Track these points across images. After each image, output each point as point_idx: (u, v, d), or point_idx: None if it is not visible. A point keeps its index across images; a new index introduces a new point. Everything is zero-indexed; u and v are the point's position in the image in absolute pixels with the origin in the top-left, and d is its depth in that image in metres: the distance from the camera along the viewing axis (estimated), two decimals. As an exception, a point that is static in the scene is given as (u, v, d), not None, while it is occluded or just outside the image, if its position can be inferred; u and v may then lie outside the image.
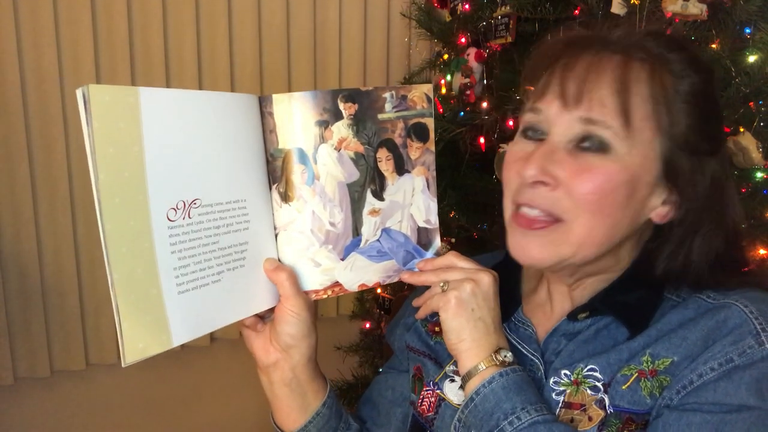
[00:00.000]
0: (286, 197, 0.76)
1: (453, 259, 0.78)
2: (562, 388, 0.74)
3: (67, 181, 2.00)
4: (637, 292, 0.75)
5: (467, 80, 1.71)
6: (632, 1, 1.30)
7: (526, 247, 0.73)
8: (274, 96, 0.74)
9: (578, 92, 0.69)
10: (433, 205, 0.84)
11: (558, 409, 0.73)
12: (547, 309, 0.82)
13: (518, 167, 0.73)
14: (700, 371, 0.66)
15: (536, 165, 0.70)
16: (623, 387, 0.70)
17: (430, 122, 0.82)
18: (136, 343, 0.62)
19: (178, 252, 0.66)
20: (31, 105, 1.93)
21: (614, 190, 0.69)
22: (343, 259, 0.78)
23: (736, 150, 1.27)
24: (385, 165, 0.79)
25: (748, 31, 1.28)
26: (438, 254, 0.83)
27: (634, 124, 0.68)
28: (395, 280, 0.82)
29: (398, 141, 0.80)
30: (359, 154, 0.77)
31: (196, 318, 0.68)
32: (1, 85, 1.88)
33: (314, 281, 0.78)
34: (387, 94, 0.78)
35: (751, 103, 1.28)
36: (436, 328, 0.89)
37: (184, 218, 0.66)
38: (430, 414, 0.85)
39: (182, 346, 2.27)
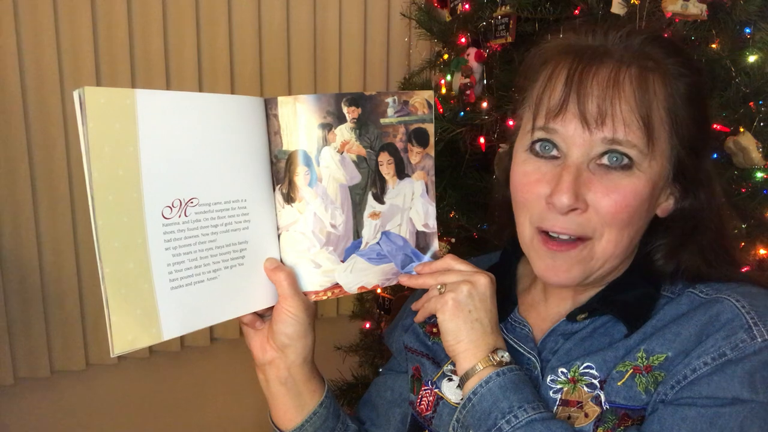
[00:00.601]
0: (288, 198, 0.77)
1: (450, 261, 0.79)
2: (559, 386, 0.74)
3: (67, 181, 2.00)
4: (635, 290, 0.76)
5: (467, 80, 1.71)
6: (632, 1, 1.30)
7: (557, 270, 0.73)
8: (279, 98, 0.75)
9: (601, 113, 0.68)
10: (432, 210, 0.84)
11: (555, 407, 0.73)
12: (542, 308, 0.83)
13: (539, 190, 0.72)
14: (693, 366, 0.67)
15: (571, 193, 0.68)
16: (619, 383, 0.70)
17: (430, 128, 0.83)
18: (125, 335, 0.63)
19: (173, 249, 0.67)
20: (31, 105, 1.94)
21: (640, 205, 0.70)
22: (343, 261, 0.79)
23: (736, 150, 1.27)
24: (386, 169, 0.80)
25: (748, 31, 1.28)
26: (436, 258, 0.84)
27: (655, 138, 0.69)
28: (394, 283, 0.83)
29: (399, 145, 0.80)
30: (361, 158, 0.78)
31: (190, 313, 0.69)
32: (1, 85, 1.88)
33: (314, 282, 0.78)
34: (389, 99, 0.79)
35: (751, 103, 1.28)
36: (434, 329, 0.89)
37: (180, 216, 0.68)
38: (428, 413, 0.85)
39: (182, 346, 2.29)
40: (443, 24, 1.93)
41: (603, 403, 0.71)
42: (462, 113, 1.73)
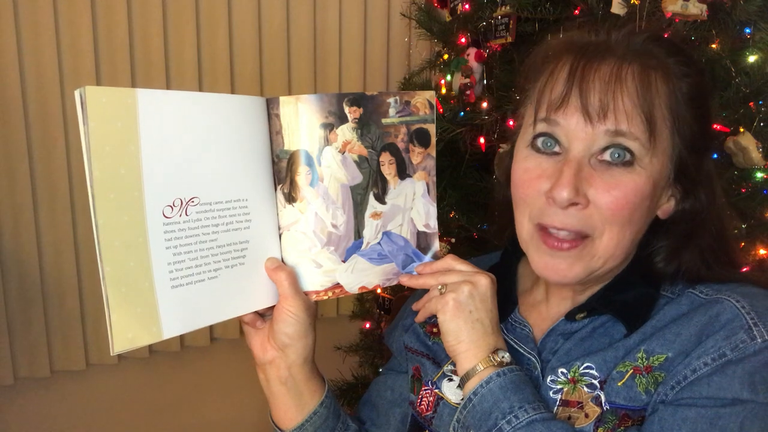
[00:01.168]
0: (290, 198, 0.77)
1: (451, 262, 0.79)
2: (559, 387, 0.74)
3: (67, 181, 2.00)
4: (634, 290, 0.76)
5: (467, 80, 1.71)
6: (632, 1, 1.30)
7: (557, 267, 0.73)
8: (281, 98, 0.75)
9: (603, 106, 0.68)
10: (433, 210, 0.84)
11: (555, 407, 0.73)
12: (543, 308, 0.83)
13: (539, 186, 0.72)
14: (693, 366, 0.67)
15: (571, 187, 0.68)
16: (619, 384, 0.70)
17: (431, 128, 0.83)
18: (125, 333, 0.64)
19: (173, 248, 0.67)
20: (31, 105, 1.94)
21: (641, 202, 0.70)
22: (344, 261, 0.79)
23: (736, 150, 1.27)
24: (388, 169, 0.80)
25: (748, 31, 1.28)
26: (436, 258, 0.84)
27: (657, 134, 0.69)
28: (394, 283, 0.83)
29: (401, 145, 0.80)
30: (363, 158, 0.78)
31: (190, 312, 0.69)
32: (1, 85, 1.88)
33: (315, 282, 0.78)
34: (391, 99, 0.79)
35: (751, 103, 1.28)
36: (434, 329, 0.89)
37: (180, 215, 0.68)
38: (428, 413, 0.85)
39: (182, 345, 2.29)
40: (443, 24, 1.93)
41: (603, 404, 0.71)
42: (462, 113, 1.73)
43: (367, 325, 2.28)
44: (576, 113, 0.69)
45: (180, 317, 0.68)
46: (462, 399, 0.74)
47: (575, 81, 0.70)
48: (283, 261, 0.79)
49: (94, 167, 0.61)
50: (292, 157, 0.75)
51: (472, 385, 0.72)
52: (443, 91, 1.82)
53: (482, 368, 0.72)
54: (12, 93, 1.89)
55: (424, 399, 0.86)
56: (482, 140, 1.67)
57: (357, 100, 0.76)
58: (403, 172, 0.81)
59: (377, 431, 0.95)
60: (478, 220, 1.75)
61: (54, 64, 1.94)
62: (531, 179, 0.73)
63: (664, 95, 0.70)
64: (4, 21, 1.86)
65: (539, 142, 0.73)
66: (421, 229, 0.84)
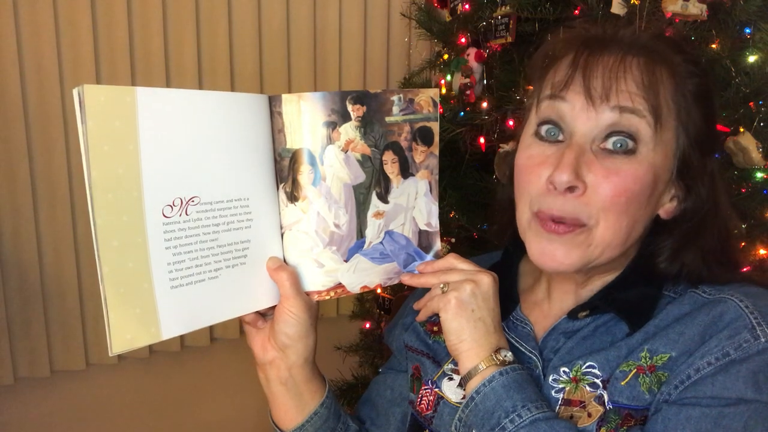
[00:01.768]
0: (292, 197, 0.76)
1: (453, 261, 0.79)
2: (561, 386, 0.74)
3: (67, 181, 2.00)
4: (637, 289, 0.75)
5: (467, 80, 1.71)
6: (632, 1, 1.30)
7: (554, 253, 0.72)
8: (284, 96, 0.74)
9: (605, 89, 0.68)
10: (435, 209, 0.84)
11: (557, 407, 0.73)
12: (545, 307, 0.83)
13: (541, 171, 0.71)
14: (697, 366, 0.66)
15: (570, 169, 0.68)
16: (622, 383, 0.70)
17: (435, 126, 0.82)
18: (124, 334, 0.63)
19: (173, 248, 0.67)
20: (31, 105, 1.94)
21: (641, 192, 0.69)
22: (346, 261, 0.78)
23: (736, 150, 1.27)
24: (391, 168, 0.79)
25: (748, 31, 1.28)
26: (438, 257, 0.84)
27: (662, 118, 0.69)
28: (396, 282, 0.83)
29: (404, 144, 0.80)
30: (366, 156, 0.77)
31: (190, 313, 0.69)
32: (1, 85, 1.88)
33: (317, 282, 0.78)
34: (395, 98, 0.78)
35: (751, 103, 1.28)
36: (435, 328, 0.89)
37: (180, 215, 0.67)
38: (428, 412, 0.85)
39: (182, 346, 2.29)
40: (443, 24, 1.93)
41: (606, 403, 0.70)
42: (462, 113, 1.73)
43: (367, 325, 2.28)
44: (579, 97, 0.70)
45: (179, 318, 0.68)
46: (464, 398, 0.74)
47: (578, 67, 0.70)
48: (284, 261, 0.78)
49: (93, 167, 0.60)
50: (294, 156, 0.75)
51: (474, 384, 0.72)
52: (443, 91, 1.82)
53: (484, 367, 0.72)
54: (12, 93, 1.89)
55: (424, 398, 0.86)
56: (482, 140, 1.67)
57: (360, 98, 0.75)
58: (406, 171, 0.81)
59: (377, 431, 0.94)
60: (478, 220, 1.75)
61: (54, 64, 1.93)
62: (533, 166, 0.73)
63: (669, 89, 0.70)
64: (4, 21, 1.86)
65: (543, 130, 0.73)
66: (423, 228, 0.84)
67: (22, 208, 1.95)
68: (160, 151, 0.65)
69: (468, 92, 1.71)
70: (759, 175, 1.28)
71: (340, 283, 0.79)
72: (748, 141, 1.25)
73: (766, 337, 0.66)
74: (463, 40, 1.80)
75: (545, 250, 0.72)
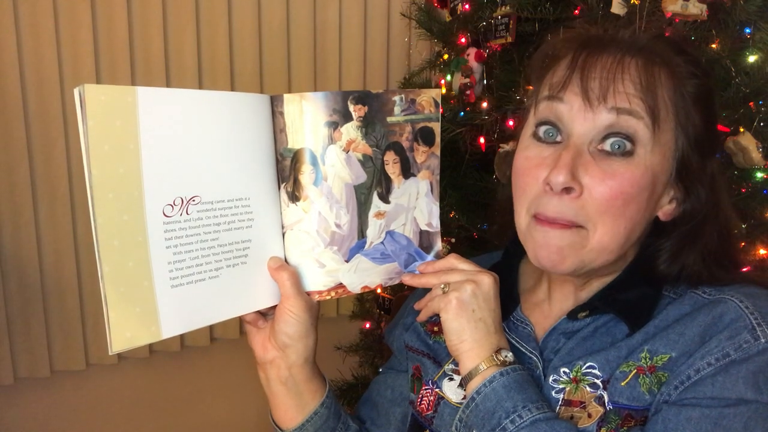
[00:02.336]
0: (293, 197, 0.76)
1: (453, 261, 0.79)
2: (561, 386, 0.74)
3: (67, 181, 2.00)
4: (637, 290, 0.75)
5: (467, 80, 1.71)
6: (632, 1, 1.30)
7: (551, 249, 0.71)
8: (285, 96, 0.74)
9: (603, 90, 0.68)
10: (436, 209, 0.84)
11: (558, 407, 0.73)
12: (546, 307, 0.83)
13: (538, 173, 0.71)
14: (697, 366, 0.66)
15: (566, 170, 0.67)
16: (622, 383, 0.70)
17: (436, 127, 0.82)
18: (124, 333, 0.63)
19: (174, 247, 0.67)
20: (31, 105, 1.94)
21: (638, 195, 0.69)
22: (347, 261, 0.78)
23: (736, 150, 1.27)
24: (392, 168, 0.79)
25: (748, 31, 1.28)
26: (438, 257, 0.84)
27: (660, 120, 0.68)
28: (396, 282, 0.83)
29: (405, 144, 0.80)
30: (367, 157, 0.77)
31: (190, 312, 0.69)
32: (1, 85, 1.88)
33: (318, 282, 0.78)
34: (396, 98, 0.78)
35: (751, 103, 1.28)
36: (435, 328, 0.89)
37: (181, 214, 0.67)
38: (429, 413, 0.85)
39: (182, 346, 2.28)
40: (443, 24, 1.94)
41: (606, 403, 0.70)
42: (462, 113, 1.73)
43: (367, 325, 2.28)
44: (576, 98, 0.69)
45: (179, 317, 0.68)
46: (464, 398, 0.74)
47: (576, 68, 0.70)
48: (285, 260, 0.78)
49: (93, 166, 0.61)
50: (295, 156, 0.75)
51: (475, 384, 0.72)
52: (443, 91, 1.82)
53: (485, 367, 0.72)
54: (12, 93, 1.89)
55: (424, 398, 0.86)
56: (482, 140, 1.67)
57: (362, 98, 0.75)
58: (407, 171, 0.81)
59: (377, 431, 0.94)
60: (478, 220, 1.75)
61: (54, 64, 1.93)
62: (531, 167, 0.73)
63: (669, 90, 0.69)
64: (4, 21, 1.86)
65: (541, 131, 0.73)
66: (424, 228, 0.84)
67: (22, 208, 1.95)
68: (161, 150, 0.65)
69: (468, 92, 1.71)
70: (759, 175, 1.28)
71: (341, 283, 0.79)
72: (748, 141, 1.25)
73: (766, 337, 0.65)
74: (463, 40, 1.80)
75: (541, 245, 0.72)
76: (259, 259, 0.76)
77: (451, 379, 0.84)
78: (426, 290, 0.81)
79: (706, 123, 0.72)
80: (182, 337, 2.26)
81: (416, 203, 0.82)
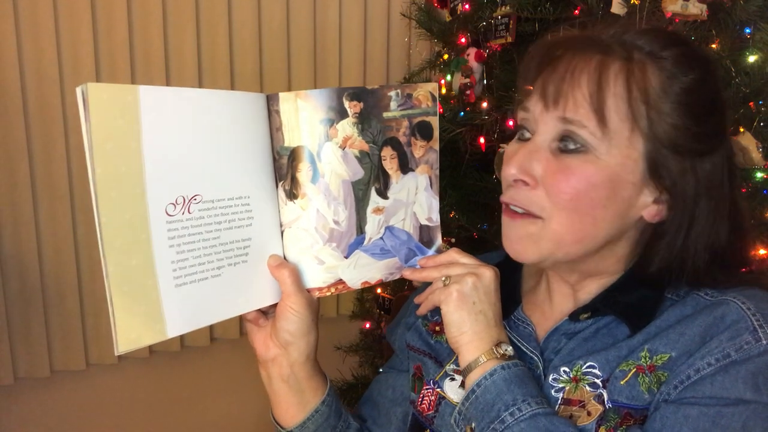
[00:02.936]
0: (291, 195, 0.76)
1: (455, 255, 0.79)
2: (561, 385, 0.74)
3: (67, 181, 2.00)
4: (638, 292, 0.75)
5: (467, 80, 1.71)
6: (632, 1, 1.30)
7: (512, 239, 0.75)
8: (281, 94, 0.74)
9: (556, 93, 0.70)
10: (436, 203, 0.84)
11: (557, 406, 0.73)
12: (546, 308, 0.83)
13: (508, 168, 0.74)
14: (697, 366, 0.66)
15: (516, 164, 0.72)
16: (621, 382, 0.70)
17: (434, 120, 0.82)
18: (129, 333, 0.63)
19: (177, 246, 0.67)
20: (31, 105, 1.93)
21: (590, 191, 0.69)
22: (346, 257, 0.79)
23: (736, 150, 1.27)
24: (390, 163, 0.80)
25: (748, 31, 1.28)
26: (439, 251, 0.84)
27: (610, 124, 0.68)
28: (397, 277, 0.83)
29: (403, 139, 0.80)
30: (364, 153, 0.77)
31: (194, 311, 0.69)
32: (1, 85, 1.88)
33: (318, 279, 0.78)
34: (392, 93, 0.78)
35: (751, 103, 1.28)
36: (437, 328, 0.89)
37: (183, 213, 0.68)
38: (430, 412, 0.85)
39: (182, 345, 2.28)
40: (443, 24, 1.94)
41: (606, 402, 0.70)
42: (462, 113, 1.73)
43: (367, 325, 2.28)
44: (539, 101, 0.72)
45: (184, 316, 0.68)
46: (464, 393, 0.74)
47: (543, 71, 0.72)
48: (285, 258, 0.79)
49: (96, 165, 0.61)
50: (292, 154, 0.75)
51: (475, 376, 0.72)
52: (443, 91, 1.82)
53: (485, 360, 0.72)
54: (12, 92, 1.89)
55: (425, 398, 0.86)
56: (482, 140, 1.67)
57: (357, 94, 0.75)
58: (405, 166, 0.81)
59: (378, 430, 0.95)
60: (478, 220, 1.75)
61: (54, 63, 1.93)
62: (503, 162, 0.76)
63: (622, 85, 0.68)
64: (4, 21, 1.86)
65: (520, 133, 0.76)
66: (424, 222, 0.84)
67: (22, 208, 1.95)
68: (163, 149, 0.66)
69: (468, 92, 1.72)
70: (759, 175, 1.28)
71: (340, 279, 0.79)
72: (748, 141, 1.25)
73: (767, 338, 0.66)
74: (463, 40, 1.80)
75: (506, 236, 0.76)
76: (260, 258, 0.76)
77: (453, 379, 0.84)
78: (427, 286, 0.81)
79: (689, 122, 0.69)
80: (182, 337, 2.26)
81: (415, 198, 0.82)
